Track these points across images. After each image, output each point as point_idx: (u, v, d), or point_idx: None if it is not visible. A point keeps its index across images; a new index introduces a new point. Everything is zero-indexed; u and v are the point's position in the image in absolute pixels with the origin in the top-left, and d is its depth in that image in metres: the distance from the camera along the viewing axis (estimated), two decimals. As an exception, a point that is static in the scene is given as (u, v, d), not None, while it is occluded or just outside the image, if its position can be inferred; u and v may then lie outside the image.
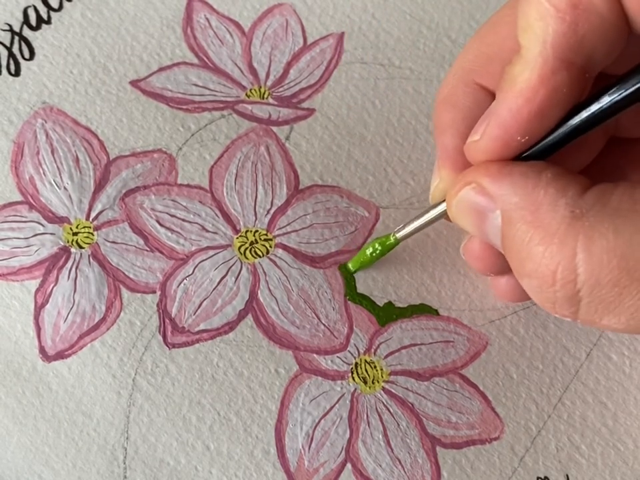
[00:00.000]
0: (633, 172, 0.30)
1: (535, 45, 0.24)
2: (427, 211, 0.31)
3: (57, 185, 0.35)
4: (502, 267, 0.28)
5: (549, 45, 0.24)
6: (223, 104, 0.37)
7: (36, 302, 0.33)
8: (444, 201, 0.29)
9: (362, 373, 0.33)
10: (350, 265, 0.34)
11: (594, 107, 0.25)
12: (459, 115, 0.29)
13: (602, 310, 0.24)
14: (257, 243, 0.34)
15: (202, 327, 0.33)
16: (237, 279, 0.34)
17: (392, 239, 0.33)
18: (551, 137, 0.26)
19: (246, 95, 0.37)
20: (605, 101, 0.24)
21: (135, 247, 0.34)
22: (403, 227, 0.32)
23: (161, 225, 0.35)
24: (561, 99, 0.25)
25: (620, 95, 0.24)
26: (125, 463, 0.31)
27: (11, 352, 0.32)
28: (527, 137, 0.25)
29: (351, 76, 0.38)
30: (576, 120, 0.25)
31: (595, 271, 0.24)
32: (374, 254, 0.33)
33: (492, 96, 0.29)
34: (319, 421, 0.32)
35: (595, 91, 0.25)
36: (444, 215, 0.30)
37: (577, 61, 0.24)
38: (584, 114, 0.25)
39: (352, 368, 0.33)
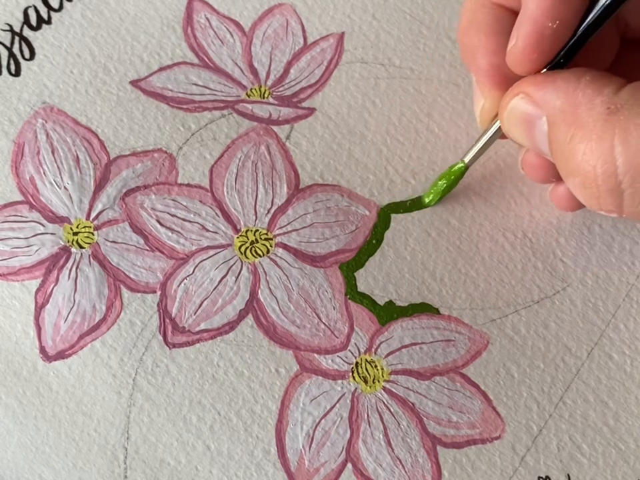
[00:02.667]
0: None
1: None
2: (484, 133, 0.33)
3: (57, 184, 0.35)
4: (559, 173, 0.30)
5: None
6: (224, 103, 0.37)
7: (36, 302, 0.33)
8: (495, 121, 0.32)
9: (362, 373, 0.33)
10: (425, 199, 0.35)
11: None
12: (482, 35, 0.31)
13: None
14: (257, 242, 0.34)
15: (202, 326, 0.33)
16: (237, 278, 0.34)
17: (460, 164, 0.34)
18: (582, 26, 0.27)
19: (246, 94, 0.37)
20: None
21: (135, 246, 0.34)
22: (468, 152, 0.34)
23: (161, 224, 0.35)
24: None
25: None
26: (125, 463, 0.31)
27: (12, 352, 0.32)
28: (557, 22, 0.27)
29: (352, 75, 0.38)
30: (600, 2, 0.27)
31: (634, 161, 0.25)
32: (446, 183, 0.35)
33: (510, 12, 0.31)
34: (320, 421, 0.32)
35: None
36: (500, 132, 0.32)
37: None
38: None
39: (352, 367, 0.33)
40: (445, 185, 0.35)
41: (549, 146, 0.28)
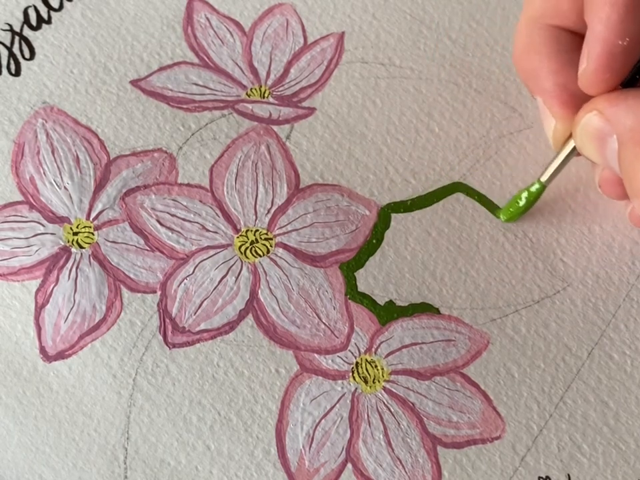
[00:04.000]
0: None
1: None
2: (559, 153, 0.33)
3: (57, 184, 0.35)
4: None
5: None
6: (224, 103, 0.37)
7: (36, 302, 0.33)
8: (570, 140, 0.32)
9: (363, 373, 0.33)
10: (501, 217, 0.35)
11: None
12: (544, 57, 0.31)
13: None
14: (257, 242, 0.34)
15: (202, 326, 0.33)
16: (237, 278, 0.34)
17: (537, 184, 0.34)
18: None
19: (246, 94, 0.37)
20: None
21: (136, 246, 0.34)
22: (544, 172, 0.34)
23: (161, 224, 0.35)
24: None
25: None
26: (125, 463, 0.31)
27: (12, 352, 0.32)
28: (627, 39, 0.27)
29: (352, 75, 0.38)
30: None
31: None
32: (523, 202, 0.35)
33: (569, 32, 0.31)
34: (320, 421, 0.32)
35: None
36: (574, 150, 0.32)
37: None
38: None
39: (352, 367, 0.33)
40: (523, 206, 0.35)
41: (618, 164, 0.28)
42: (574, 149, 0.32)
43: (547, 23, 0.31)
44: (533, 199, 0.34)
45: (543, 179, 0.34)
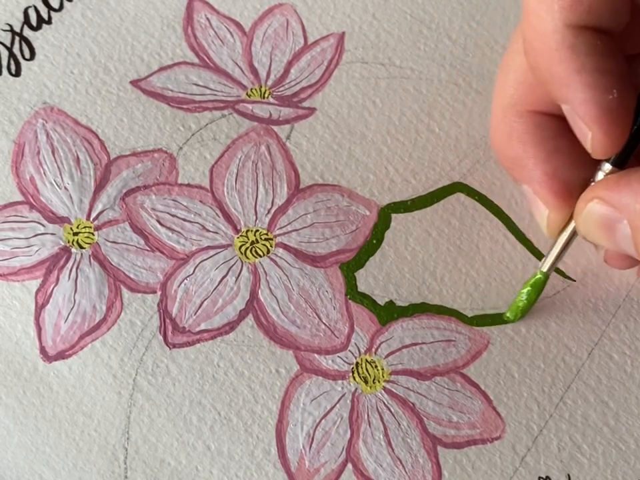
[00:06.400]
0: None
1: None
2: (558, 241, 0.31)
3: (57, 184, 0.35)
4: None
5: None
6: (224, 103, 0.37)
7: (36, 302, 0.33)
8: (567, 225, 0.31)
9: (363, 373, 0.33)
10: (509, 317, 0.33)
11: None
12: (529, 145, 0.30)
13: None
14: (257, 242, 0.34)
15: (202, 326, 0.33)
16: (237, 278, 0.34)
17: (539, 274, 0.32)
18: None
19: (246, 94, 0.37)
20: None
21: (136, 246, 0.34)
22: (545, 261, 0.32)
23: (161, 224, 0.35)
24: (598, 49, 0.26)
25: None
26: (125, 463, 0.31)
27: (12, 352, 0.32)
28: (614, 91, 0.26)
29: (352, 75, 0.38)
30: None
31: None
32: (526, 297, 0.33)
33: (550, 116, 0.30)
34: (320, 421, 0.32)
35: None
36: (573, 236, 0.31)
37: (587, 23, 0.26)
38: None
39: (353, 368, 0.33)
40: (530, 300, 0.33)
41: (635, 248, 0.27)
42: (572, 234, 0.31)
43: (525, 109, 0.30)
44: (538, 290, 0.33)
45: (544, 268, 0.32)
